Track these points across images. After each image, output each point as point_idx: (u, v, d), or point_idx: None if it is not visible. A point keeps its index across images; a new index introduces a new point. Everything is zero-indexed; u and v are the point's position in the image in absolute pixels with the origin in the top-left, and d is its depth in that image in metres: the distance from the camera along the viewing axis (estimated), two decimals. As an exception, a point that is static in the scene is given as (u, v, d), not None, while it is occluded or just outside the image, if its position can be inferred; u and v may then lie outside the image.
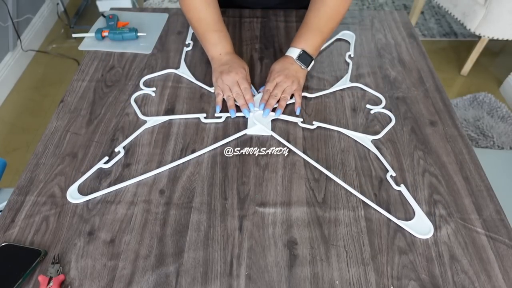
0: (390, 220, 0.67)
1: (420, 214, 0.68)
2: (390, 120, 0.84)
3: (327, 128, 0.82)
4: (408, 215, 0.68)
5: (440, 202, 0.70)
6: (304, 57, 0.87)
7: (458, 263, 0.62)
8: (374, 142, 0.80)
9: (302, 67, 0.88)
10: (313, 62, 0.89)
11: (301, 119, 0.83)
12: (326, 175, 0.74)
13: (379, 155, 0.77)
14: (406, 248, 0.64)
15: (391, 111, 0.86)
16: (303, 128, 0.82)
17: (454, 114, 0.86)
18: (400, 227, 0.66)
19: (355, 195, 0.71)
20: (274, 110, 0.84)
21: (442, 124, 0.84)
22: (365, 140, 0.80)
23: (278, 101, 0.85)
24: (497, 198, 0.71)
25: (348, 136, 0.81)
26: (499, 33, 1.93)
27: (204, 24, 0.90)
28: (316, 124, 0.82)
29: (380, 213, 0.68)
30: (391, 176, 0.73)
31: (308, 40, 0.88)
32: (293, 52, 0.88)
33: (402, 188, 0.71)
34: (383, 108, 0.86)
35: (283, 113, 0.84)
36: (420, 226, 0.66)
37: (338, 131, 0.81)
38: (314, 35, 0.88)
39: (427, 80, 0.94)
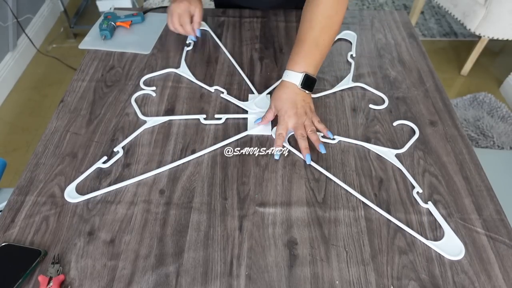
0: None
1: (450, 234, 0.65)
2: (414, 132, 0.81)
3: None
4: (408, 215, 0.68)
5: (440, 202, 0.70)
6: (308, 82, 0.77)
7: (458, 263, 0.62)
8: (374, 141, 0.80)
9: (307, 92, 0.78)
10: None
11: (322, 134, 0.80)
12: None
13: (404, 170, 0.74)
14: (406, 248, 0.64)
15: (391, 112, 0.86)
16: (303, 128, 0.82)
17: (454, 114, 0.86)
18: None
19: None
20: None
21: (442, 124, 0.84)
22: (389, 154, 0.77)
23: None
24: (497, 198, 0.71)
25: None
26: (499, 33, 1.93)
27: None
28: (338, 138, 0.79)
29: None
30: (417, 192, 0.71)
31: (307, 59, 0.77)
32: (295, 78, 0.77)
33: (430, 206, 0.69)
34: (405, 120, 0.84)
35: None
36: (450, 247, 0.63)
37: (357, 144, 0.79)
38: (312, 53, 0.78)
39: (427, 80, 0.94)
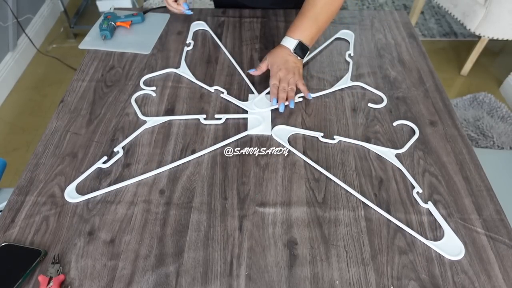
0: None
1: (450, 234, 0.65)
2: (414, 132, 0.81)
3: (328, 129, 0.82)
4: (408, 215, 0.68)
5: (440, 202, 0.70)
6: (301, 49, 0.89)
7: (458, 263, 0.62)
8: (374, 141, 0.80)
9: (299, 58, 0.89)
10: (308, 52, 0.91)
11: (322, 134, 0.81)
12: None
13: (404, 170, 0.74)
14: (406, 248, 0.64)
15: (391, 112, 0.86)
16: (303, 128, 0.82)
17: (454, 114, 0.86)
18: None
19: (355, 195, 0.71)
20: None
21: (442, 124, 0.84)
22: (389, 154, 0.77)
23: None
24: (497, 198, 0.71)
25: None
26: (499, 33, 1.93)
27: None
28: (338, 138, 0.80)
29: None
30: (417, 192, 0.71)
31: (304, 30, 0.88)
32: (290, 43, 0.89)
33: (430, 206, 0.69)
34: (405, 120, 0.84)
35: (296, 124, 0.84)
36: (450, 247, 0.64)
37: (356, 144, 0.79)
38: (310, 26, 0.88)
39: (427, 80, 0.94)
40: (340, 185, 0.72)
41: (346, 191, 0.71)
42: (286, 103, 0.85)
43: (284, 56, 0.88)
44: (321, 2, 0.88)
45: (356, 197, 0.70)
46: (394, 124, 0.83)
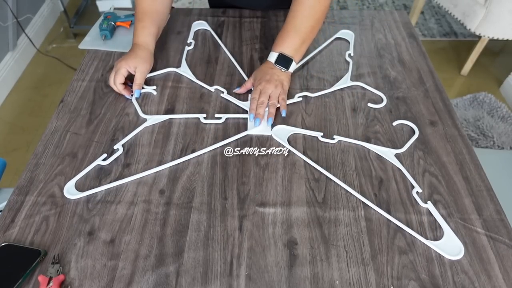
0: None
1: (449, 234, 0.65)
2: (414, 132, 0.81)
3: (328, 129, 0.82)
4: (408, 215, 0.68)
5: (440, 202, 0.70)
6: (283, 60, 0.87)
7: (458, 263, 0.62)
8: (374, 141, 0.80)
9: (282, 70, 0.87)
10: (294, 63, 0.88)
11: (321, 134, 0.81)
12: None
13: (404, 170, 0.74)
14: (406, 248, 0.64)
15: (391, 112, 0.86)
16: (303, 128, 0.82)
17: (454, 114, 0.86)
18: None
19: (355, 195, 0.71)
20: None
21: (442, 124, 0.84)
22: (389, 154, 0.77)
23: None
24: (497, 198, 0.71)
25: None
26: (499, 33, 1.93)
27: (136, 13, 0.94)
28: (338, 138, 0.80)
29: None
30: (417, 192, 0.71)
31: (286, 42, 0.87)
32: (271, 57, 0.88)
33: (429, 206, 0.69)
34: (405, 120, 0.84)
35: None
36: (449, 247, 0.63)
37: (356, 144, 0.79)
38: (291, 37, 0.87)
39: (427, 80, 0.94)
40: (340, 185, 0.72)
41: (346, 191, 0.71)
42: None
43: (266, 70, 0.87)
44: (302, 13, 0.86)
45: (356, 197, 0.70)
46: (394, 124, 0.83)
